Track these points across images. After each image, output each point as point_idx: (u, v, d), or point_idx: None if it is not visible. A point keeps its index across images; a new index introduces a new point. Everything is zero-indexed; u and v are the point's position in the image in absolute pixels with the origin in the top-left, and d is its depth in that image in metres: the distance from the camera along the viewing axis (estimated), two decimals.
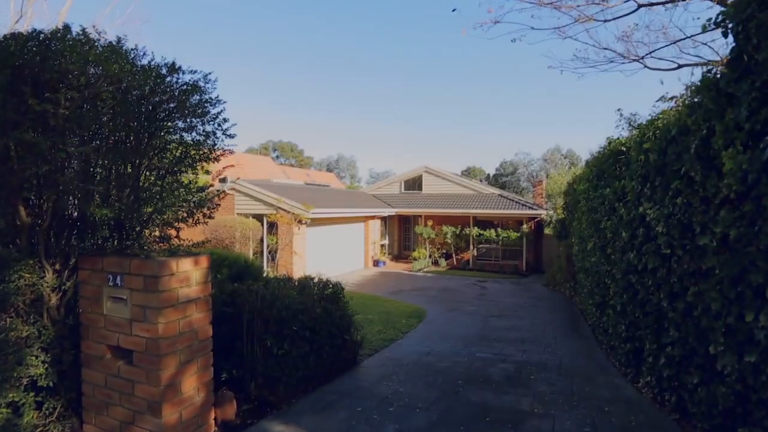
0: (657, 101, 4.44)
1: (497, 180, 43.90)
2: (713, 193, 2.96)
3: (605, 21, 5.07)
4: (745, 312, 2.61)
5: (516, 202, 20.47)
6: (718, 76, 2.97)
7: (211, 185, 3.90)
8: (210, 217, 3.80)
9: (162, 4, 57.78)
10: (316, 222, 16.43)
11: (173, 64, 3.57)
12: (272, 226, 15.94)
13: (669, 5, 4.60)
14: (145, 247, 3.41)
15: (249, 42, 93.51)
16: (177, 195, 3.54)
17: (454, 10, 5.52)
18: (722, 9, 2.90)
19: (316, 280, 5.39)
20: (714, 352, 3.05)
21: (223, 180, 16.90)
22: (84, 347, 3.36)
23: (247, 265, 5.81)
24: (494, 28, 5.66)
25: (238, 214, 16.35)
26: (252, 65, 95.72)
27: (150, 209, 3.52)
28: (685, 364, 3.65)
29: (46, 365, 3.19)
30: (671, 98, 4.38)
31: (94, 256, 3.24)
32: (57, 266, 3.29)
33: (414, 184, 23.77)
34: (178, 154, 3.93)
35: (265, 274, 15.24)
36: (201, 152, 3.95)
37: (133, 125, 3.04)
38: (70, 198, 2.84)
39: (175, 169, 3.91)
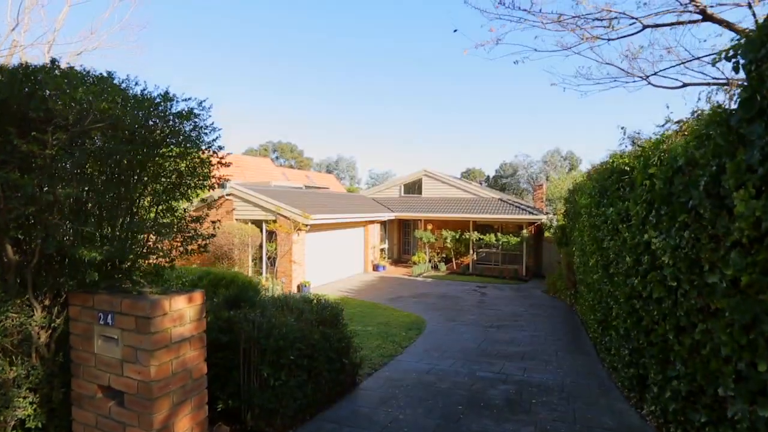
0: (663, 125, 4.33)
1: (497, 182, 43.77)
2: (723, 233, 2.86)
3: (609, 40, 4.97)
4: (757, 361, 2.52)
5: (516, 206, 20.38)
6: (729, 111, 2.88)
7: (207, 215, 3.80)
8: (205, 250, 3.70)
9: (161, 5, 57.60)
10: (315, 228, 16.33)
11: (166, 92, 3.48)
12: (271, 233, 15.85)
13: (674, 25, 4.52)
14: (138, 281, 3.31)
15: (249, 42, 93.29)
16: (171, 225, 3.44)
17: (455, 31, 5.42)
18: (735, 40, 2.80)
19: (314, 301, 5.29)
20: (723, 395, 2.96)
21: (223, 185, 16.80)
22: (74, 385, 3.26)
23: (245, 285, 5.71)
24: (496, 48, 5.54)
25: (236, 219, 16.27)
26: (252, 65, 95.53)
27: (143, 237, 3.44)
28: (692, 401, 3.56)
29: (35, 406, 3.10)
30: (677, 122, 4.28)
31: (85, 292, 3.14)
32: (46, 302, 3.20)
33: (414, 187, 23.69)
34: (173, 180, 3.84)
35: (264, 280, 15.16)
36: (196, 179, 3.85)
37: (125, 152, 2.94)
38: (59, 238, 2.74)
39: (169, 197, 3.82)
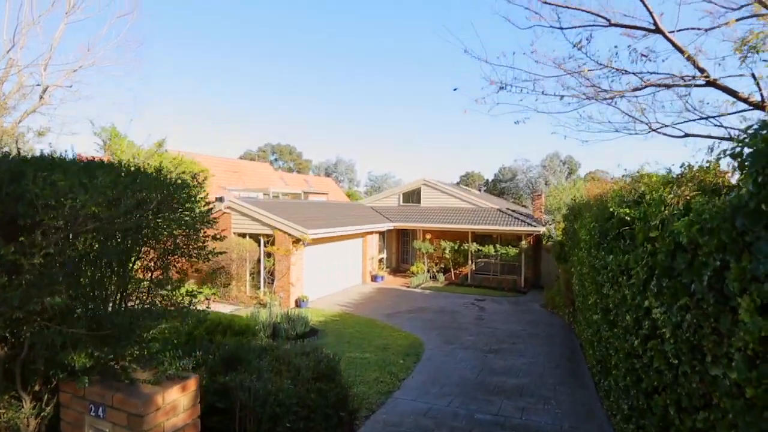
0: (666, 195, 4.26)
1: (496, 186, 43.70)
2: (727, 332, 2.81)
3: (612, 97, 4.86)
4: None
5: (515, 218, 20.32)
6: (734, 205, 2.81)
7: (201, 291, 3.74)
8: (201, 321, 3.64)
9: (161, 6, 57.19)
10: (314, 241, 16.26)
11: (160, 168, 3.43)
12: (269, 246, 15.75)
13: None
14: (130, 366, 3.23)
15: (249, 42, 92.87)
16: (163, 312, 3.37)
17: (455, 89, 5.37)
18: (740, 136, 2.74)
19: (311, 353, 5.24)
20: None
21: (221, 199, 16.71)
22: None
23: (241, 329, 5.65)
24: (496, 107, 5.47)
25: (234, 233, 16.18)
26: (252, 65, 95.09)
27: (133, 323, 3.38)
28: None
29: None
30: (679, 186, 4.20)
31: (76, 381, 3.08)
32: (36, 388, 3.14)
33: (412, 196, 23.64)
34: (167, 246, 3.78)
35: (262, 295, 15.05)
36: (190, 247, 3.79)
37: (118, 252, 2.88)
38: (48, 342, 2.67)
39: (164, 263, 3.76)
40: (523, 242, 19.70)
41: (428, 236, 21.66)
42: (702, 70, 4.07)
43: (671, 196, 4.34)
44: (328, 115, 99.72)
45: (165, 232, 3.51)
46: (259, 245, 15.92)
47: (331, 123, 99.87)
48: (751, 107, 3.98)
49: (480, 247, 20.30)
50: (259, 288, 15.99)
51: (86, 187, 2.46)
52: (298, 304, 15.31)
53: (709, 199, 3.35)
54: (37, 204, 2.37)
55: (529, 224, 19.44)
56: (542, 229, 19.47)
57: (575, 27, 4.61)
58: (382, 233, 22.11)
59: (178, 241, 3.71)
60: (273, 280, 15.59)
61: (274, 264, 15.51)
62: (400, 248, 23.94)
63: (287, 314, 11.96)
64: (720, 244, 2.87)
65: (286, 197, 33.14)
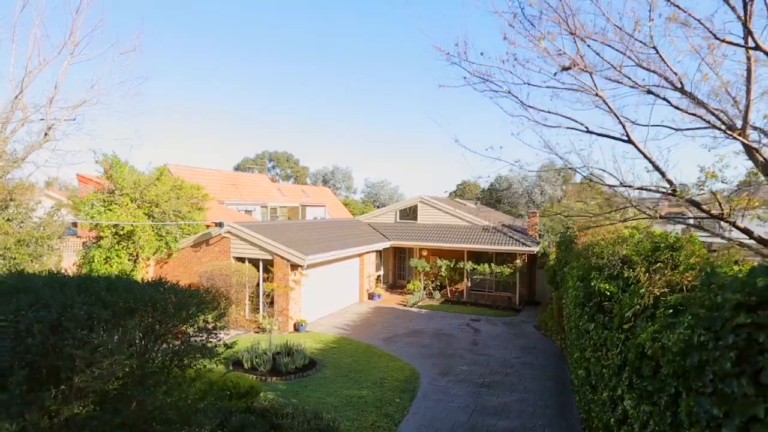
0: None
1: (492, 194, 44.26)
2: None
3: (590, 196, 5.29)
4: None
5: (509, 236, 20.72)
6: (690, 341, 3.18)
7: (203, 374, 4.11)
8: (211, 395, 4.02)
9: (162, 7, 57.39)
10: (312, 265, 16.59)
11: (175, 285, 3.78)
12: (268, 271, 16.09)
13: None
14: None
15: (248, 41, 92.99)
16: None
17: (446, 192, 5.70)
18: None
19: (311, 418, 5.61)
20: None
21: (220, 224, 17.06)
22: None
23: (246, 390, 6.02)
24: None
25: (233, 257, 16.53)
26: (250, 65, 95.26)
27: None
28: None
29: None
30: (652, 278, 4.59)
31: None
32: None
33: (409, 213, 24.04)
34: (178, 346, 4.14)
35: (261, 319, 15.33)
36: (200, 348, 4.15)
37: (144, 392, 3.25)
38: None
39: (178, 362, 4.12)
40: (518, 261, 20.11)
41: (424, 254, 22.06)
42: (671, 183, 4.47)
43: (643, 290, 4.72)
44: (328, 115, 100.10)
45: (178, 341, 3.89)
46: (258, 269, 16.26)
47: (330, 124, 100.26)
48: (713, 218, 4.39)
49: (475, 266, 20.71)
50: (258, 311, 16.33)
51: (120, 340, 2.83)
52: (297, 328, 15.65)
53: (671, 318, 3.69)
54: (79, 363, 2.74)
55: (524, 243, 19.84)
56: (536, 249, 19.89)
57: (557, 127, 5.01)
58: (379, 251, 22.48)
59: (191, 342, 4.07)
60: (272, 304, 15.93)
61: (273, 289, 15.85)
62: (396, 265, 24.32)
63: (287, 344, 12.33)
64: (675, 372, 3.25)
65: (283, 210, 33.51)
